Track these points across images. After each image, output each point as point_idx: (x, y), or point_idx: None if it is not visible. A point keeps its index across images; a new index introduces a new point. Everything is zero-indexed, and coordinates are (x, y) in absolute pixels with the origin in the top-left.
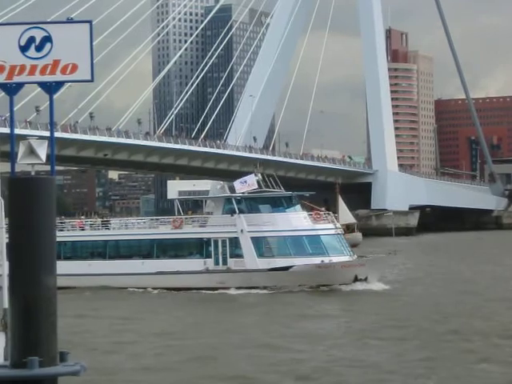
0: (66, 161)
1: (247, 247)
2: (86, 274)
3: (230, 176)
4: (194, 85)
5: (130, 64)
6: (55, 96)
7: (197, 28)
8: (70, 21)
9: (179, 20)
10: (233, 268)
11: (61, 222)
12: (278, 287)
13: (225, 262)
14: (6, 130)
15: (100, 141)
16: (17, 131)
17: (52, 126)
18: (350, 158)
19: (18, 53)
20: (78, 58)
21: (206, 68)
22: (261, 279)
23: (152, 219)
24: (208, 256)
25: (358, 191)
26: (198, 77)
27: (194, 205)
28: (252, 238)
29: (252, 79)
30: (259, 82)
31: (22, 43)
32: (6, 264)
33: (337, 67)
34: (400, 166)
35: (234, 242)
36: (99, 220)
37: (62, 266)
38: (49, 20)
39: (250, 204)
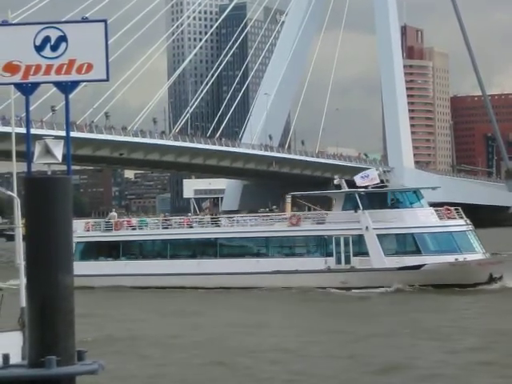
0: (81, 160)
1: (373, 245)
2: (196, 274)
3: (245, 175)
4: (209, 83)
5: (145, 63)
6: (70, 96)
7: (211, 26)
8: (84, 20)
9: (194, 18)
10: (357, 267)
11: (166, 220)
12: (408, 287)
13: (348, 261)
14: (22, 130)
15: (116, 140)
16: (33, 131)
17: (68, 125)
18: (366, 155)
19: (34, 53)
20: (93, 57)
21: (221, 66)
22: (389, 279)
23: (265, 215)
24: (329, 254)
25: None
26: (213, 75)
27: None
28: (378, 236)
29: (267, 77)
30: (274, 80)
31: (38, 43)
32: (23, 263)
33: (352, 64)
34: (416, 163)
35: (358, 240)
36: (208, 217)
37: (170, 266)
38: (64, 20)
39: (374, 199)
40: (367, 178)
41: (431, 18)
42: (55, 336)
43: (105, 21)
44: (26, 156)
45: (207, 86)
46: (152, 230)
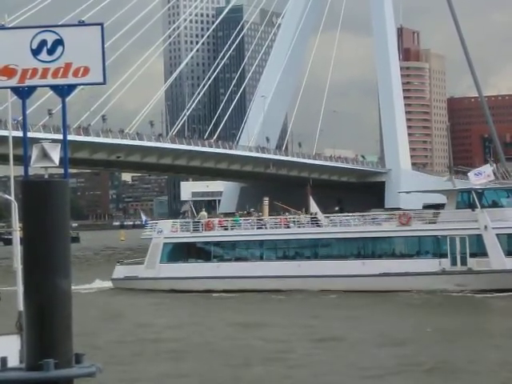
0: (79, 163)
1: (492, 245)
2: (295, 276)
3: (242, 177)
4: (206, 86)
5: (142, 66)
6: (67, 99)
7: (208, 29)
8: (81, 23)
9: (190, 21)
10: (474, 268)
11: (260, 219)
12: None
13: (464, 262)
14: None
15: (113, 143)
16: (30, 134)
17: (65, 128)
18: (363, 157)
19: (30, 56)
20: (89, 60)
21: (218, 69)
22: (510, 281)
23: (369, 215)
24: (443, 255)
25: (371, 190)
26: (209, 78)
27: (207, 206)
28: (498, 235)
29: (264, 79)
30: (271, 82)
31: (34, 47)
32: (21, 267)
33: (349, 66)
34: (413, 164)
35: (476, 240)
36: (304, 216)
37: (266, 268)
38: (60, 23)
39: (492, 197)
40: (482, 175)
41: (427, 20)
42: (53, 339)
43: (101, 24)
44: (23, 159)
45: (204, 89)
46: (246, 230)
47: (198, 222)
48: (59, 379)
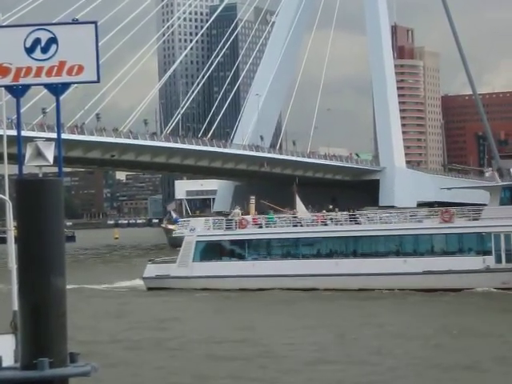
0: (73, 162)
1: None
2: (333, 275)
3: (237, 175)
4: (200, 84)
5: (136, 64)
6: (61, 97)
7: (202, 27)
8: (75, 22)
9: (184, 19)
10: None
11: (294, 217)
12: None
13: (509, 260)
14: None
15: (107, 142)
16: (24, 133)
17: (59, 127)
18: (357, 155)
19: (24, 55)
20: (83, 59)
21: (212, 67)
22: None
23: (409, 212)
24: (487, 253)
25: (365, 189)
26: (203, 76)
27: (201, 204)
28: None
29: (258, 78)
30: (265, 80)
31: (28, 45)
32: (15, 266)
33: (343, 64)
34: (407, 162)
35: None
36: (341, 213)
37: (303, 266)
38: (54, 21)
39: None
40: None
41: (421, 18)
42: (48, 338)
43: (95, 22)
44: (17, 158)
45: (198, 87)
46: (281, 227)
47: (231, 219)
48: (54, 378)
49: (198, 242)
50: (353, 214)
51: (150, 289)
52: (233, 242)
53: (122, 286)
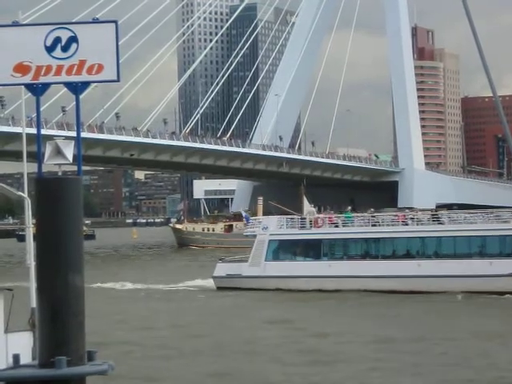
0: (92, 161)
1: None
2: (415, 276)
3: (255, 175)
4: (220, 84)
5: (156, 64)
6: (81, 96)
7: (222, 27)
8: (95, 21)
9: (204, 19)
10: None
11: (373, 216)
12: None
13: None
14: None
15: (126, 141)
16: (43, 132)
17: (78, 126)
18: (376, 156)
19: (44, 53)
20: (103, 58)
21: (232, 67)
22: None
23: (493, 213)
24: None
25: (384, 190)
26: (223, 76)
27: (220, 204)
28: None
29: (277, 78)
30: (285, 80)
31: (48, 44)
32: (34, 264)
33: (363, 66)
34: (427, 164)
35: None
36: (421, 213)
37: (383, 267)
38: (74, 20)
39: None
40: None
41: (442, 19)
42: (65, 336)
43: (115, 22)
44: (36, 157)
45: (217, 87)
46: (359, 227)
47: (305, 218)
48: (71, 377)
49: (270, 240)
50: (435, 214)
51: (219, 288)
52: (308, 241)
53: (189, 285)
